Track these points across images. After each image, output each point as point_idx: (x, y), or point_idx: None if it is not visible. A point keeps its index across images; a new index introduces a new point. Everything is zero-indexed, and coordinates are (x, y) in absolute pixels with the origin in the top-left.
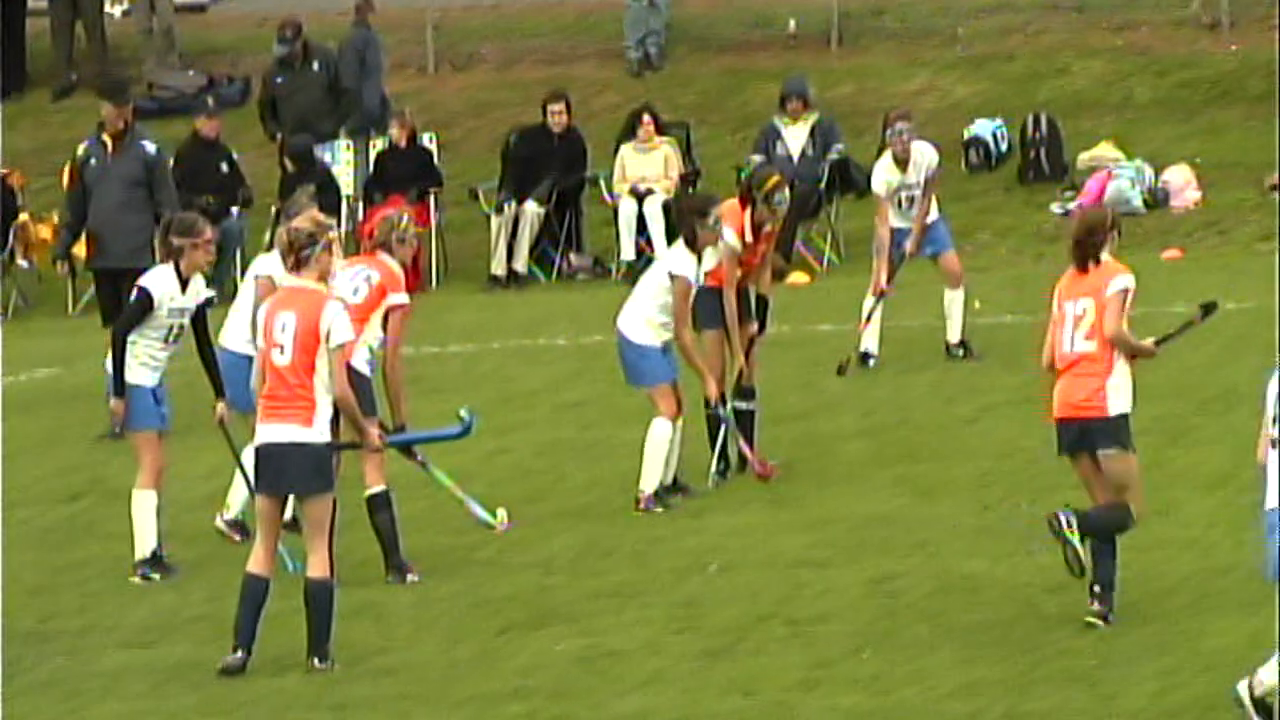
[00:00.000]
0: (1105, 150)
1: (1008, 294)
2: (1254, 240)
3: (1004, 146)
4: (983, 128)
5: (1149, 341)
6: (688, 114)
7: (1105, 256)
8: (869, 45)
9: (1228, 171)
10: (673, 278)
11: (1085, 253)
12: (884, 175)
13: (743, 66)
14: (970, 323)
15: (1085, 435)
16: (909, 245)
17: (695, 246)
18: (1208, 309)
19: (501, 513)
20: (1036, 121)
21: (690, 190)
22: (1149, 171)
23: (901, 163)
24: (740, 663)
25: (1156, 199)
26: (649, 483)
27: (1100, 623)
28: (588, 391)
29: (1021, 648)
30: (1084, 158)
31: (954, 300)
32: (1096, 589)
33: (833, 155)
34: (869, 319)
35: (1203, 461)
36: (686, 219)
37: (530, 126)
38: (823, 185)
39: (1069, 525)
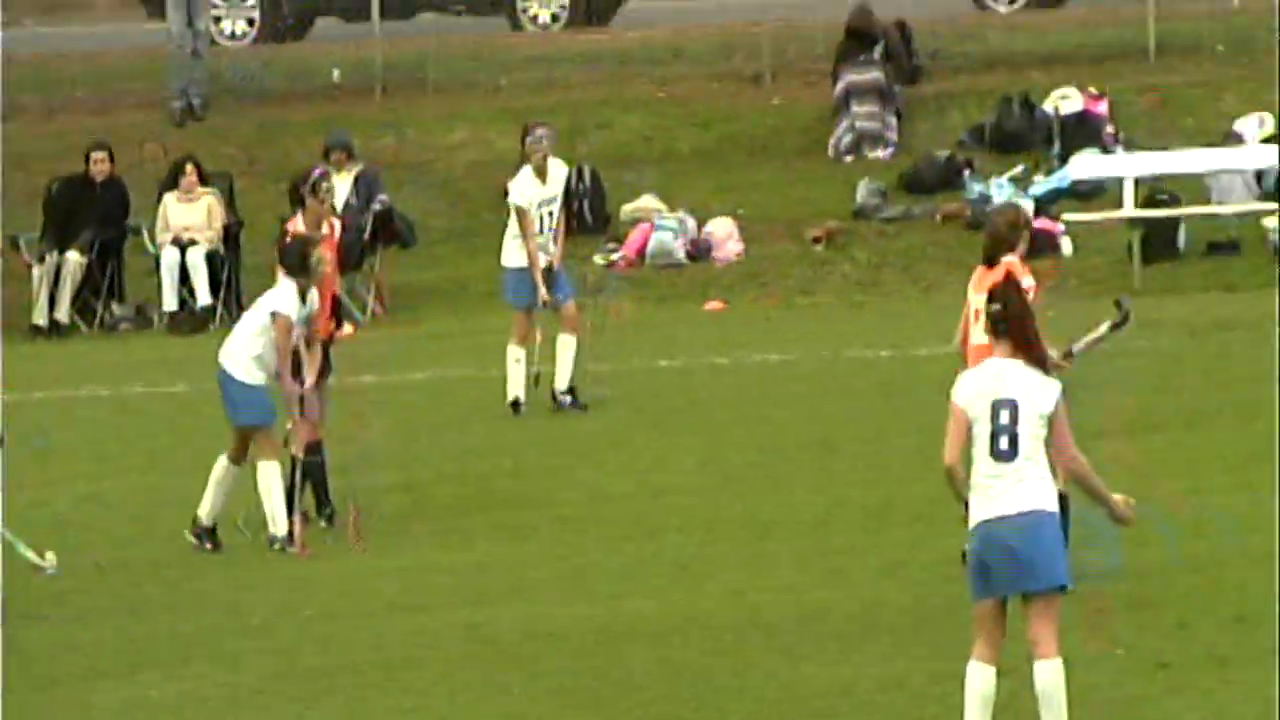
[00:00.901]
0: (648, 202)
1: (549, 345)
2: (794, 293)
3: None
4: None
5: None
6: (230, 164)
7: (1012, 257)
8: (411, 97)
9: (769, 225)
10: (274, 316)
11: (997, 249)
12: (525, 188)
13: (284, 117)
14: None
15: None
16: (553, 258)
17: (298, 285)
18: (1122, 319)
19: (50, 556)
20: (580, 174)
21: (236, 240)
22: (691, 223)
23: (541, 174)
24: (335, 709)
25: (699, 251)
26: (280, 525)
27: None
28: (129, 443)
29: (613, 695)
30: (627, 209)
31: (567, 346)
32: None
33: (376, 206)
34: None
35: (793, 508)
36: (288, 260)
37: (72, 176)
38: (366, 236)
39: None
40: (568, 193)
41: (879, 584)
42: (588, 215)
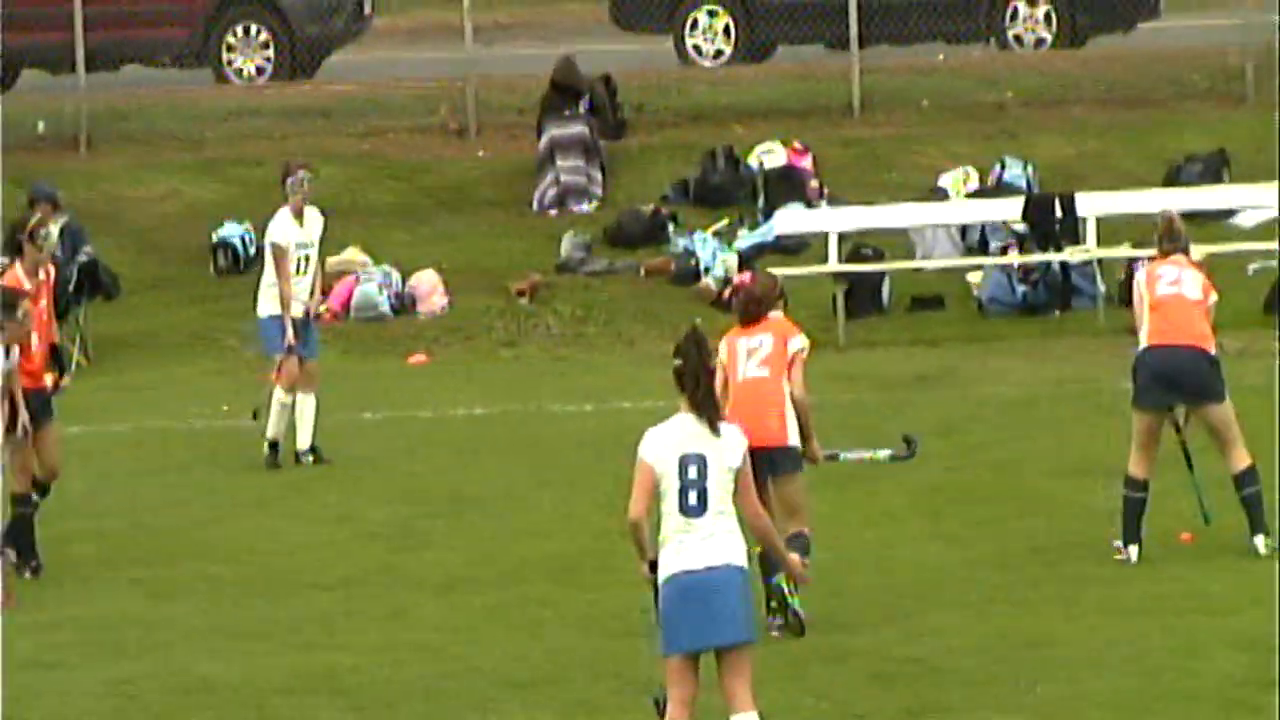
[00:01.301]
0: (353, 255)
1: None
2: (498, 346)
3: (251, 250)
4: (231, 231)
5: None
6: None
7: (778, 314)
8: (114, 149)
9: (473, 277)
10: None
11: (758, 308)
12: (284, 230)
13: None
14: (208, 426)
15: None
16: (308, 306)
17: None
18: (905, 455)
19: None
20: None
21: None
22: (396, 276)
23: (299, 216)
24: None
25: (404, 303)
26: None
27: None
28: None
29: None
30: (333, 262)
31: (307, 405)
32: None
33: (81, 258)
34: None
35: (435, 564)
36: None
37: None
38: (71, 288)
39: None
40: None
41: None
42: None
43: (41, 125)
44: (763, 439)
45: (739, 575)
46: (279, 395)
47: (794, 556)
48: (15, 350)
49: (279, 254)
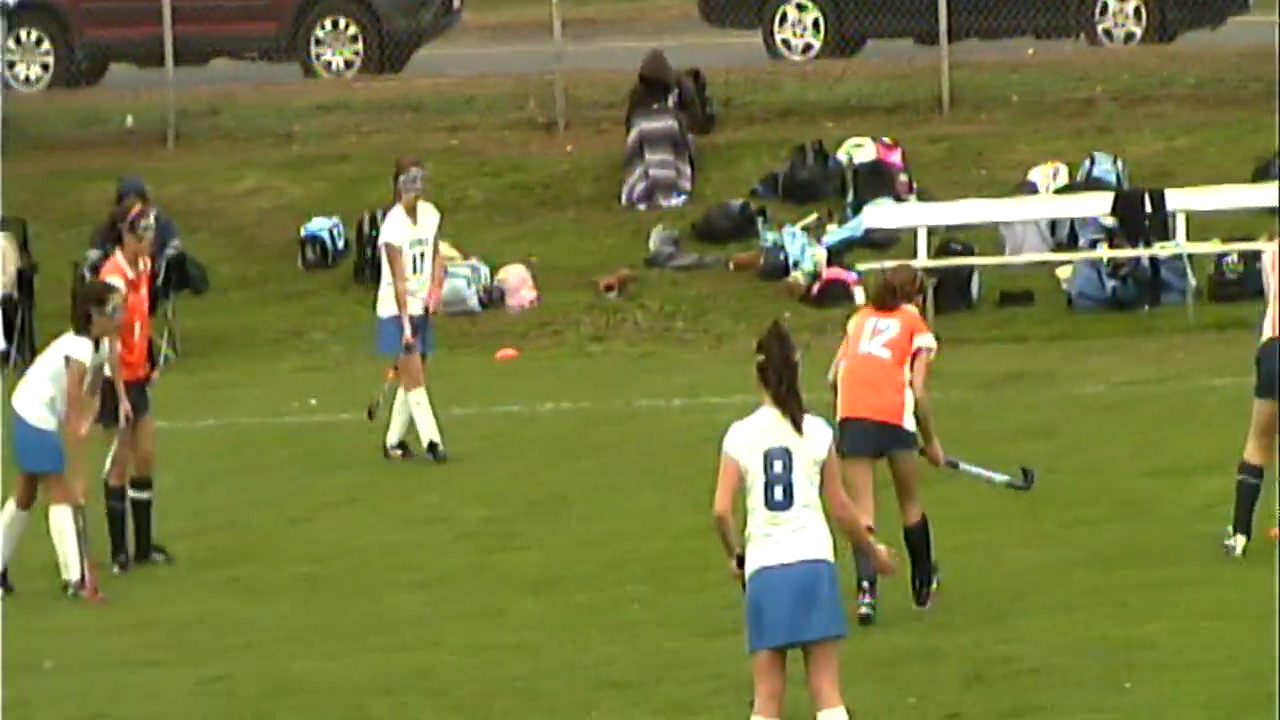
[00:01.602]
0: (442, 250)
1: (342, 394)
2: (586, 341)
3: (340, 245)
4: (319, 225)
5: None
6: (23, 210)
7: (911, 307)
8: (203, 144)
9: (561, 273)
10: (67, 361)
11: (893, 303)
12: (398, 229)
13: (77, 164)
14: (300, 421)
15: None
16: (430, 303)
17: (90, 332)
18: (1022, 486)
19: None
20: (373, 221)
21: (29, 285)
22: (484, 271)
23: (412, 213)
24: None
25: (492, 299)
26: (73, 570)
27: (871, 613)
28: None
29: None
30: None
31: (411, 400)
32: (865, 584)
33: (170, 252)
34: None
35: (529, 564)
36: (82, 306)
37: None
38: (159, 282)
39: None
40: (360, 240)
41: (613, 640)
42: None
43: (130, 119)
44: (881, 413)
45: (827, 569)
46: (412, 397)
47: (881, 547)
48: (106, 343)
49: (392, 254)
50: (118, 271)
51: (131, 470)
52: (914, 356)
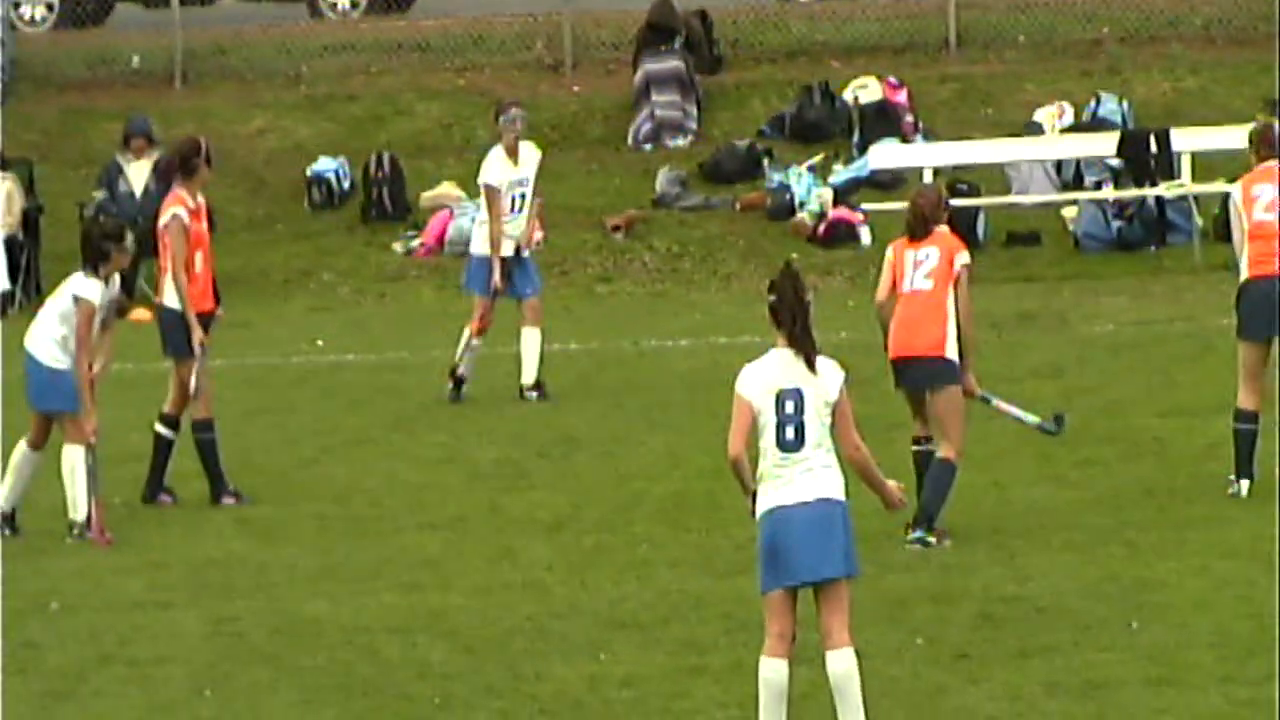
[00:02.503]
0: (447, 190)
1: (351, 334)
2: (594, 282)
3: (346, 185)
4: (325, 165)
5: (975, 384)
6: (30, 151)
7: (942, 227)
8: (211, 85)
9: (569, 213)
10: (77, 301)
11: (926, 229)
12: (496, 169)
13: (85, 104)
14: (309, 362)
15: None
16: (523, 243)
17: (103, 271)
18: (1052, 429)
19: None
20: (380, 161)
21: (36, 225)
22: None
23: (513, 154)
24: (82, 704)
25: None
26: (80, 510)
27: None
28: None
29: (361, 690)
30: (426, 197)
31: (531, 340)
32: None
33: None
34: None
35: (540, 505)
36: (101, 243)
37: None
38: None
39: (929, 532)
40: (366, 181)
41: (624, 581)
42: (388, 203)
43: (137, 60)
44: (924, 349)
45: (839, 509)
46: (471, 339)
47: (891, 483)
48: (115, 281)
49: (490, 194)
50: (179, 202)
51: (166, 406)
52: (956, 280)
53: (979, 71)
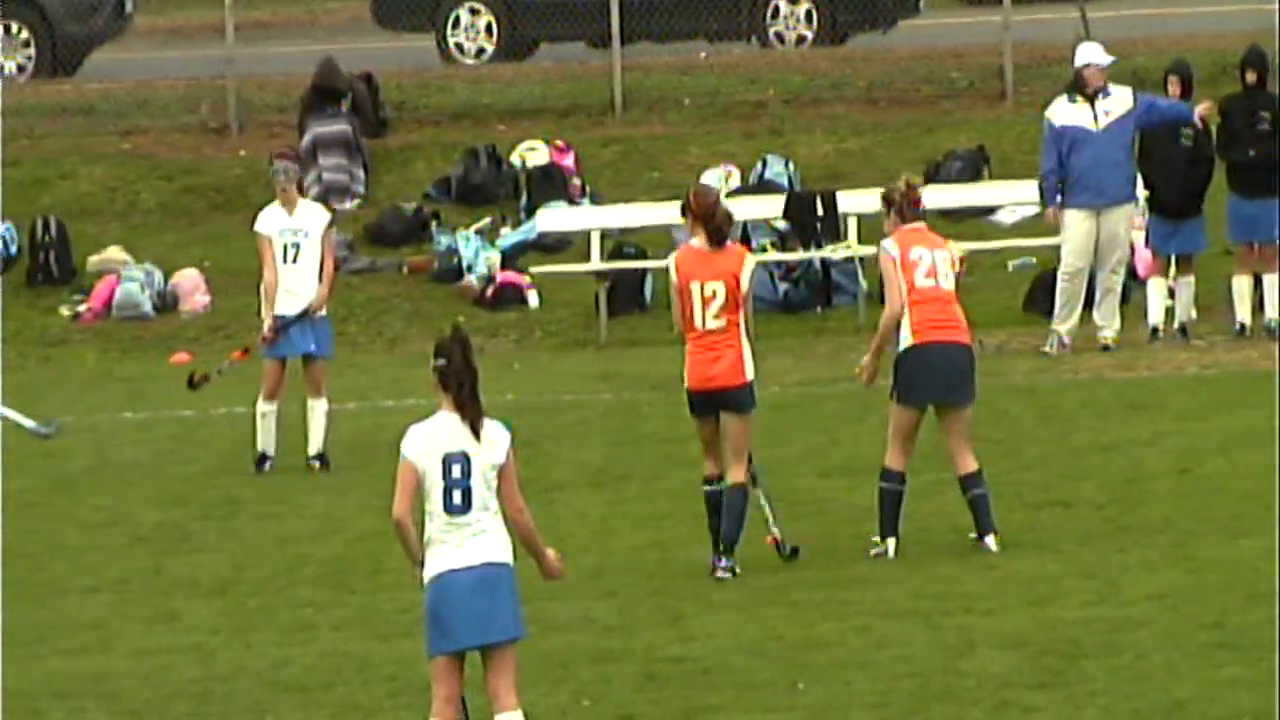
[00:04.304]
0: (114, 254)
1: (13, 397)
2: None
3: (14, 249)
4: None
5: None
6: None
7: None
8: None
9: (236, 277)
10: None
11: (724, 234)
12: (266, 218)
13: None
14: None
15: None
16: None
17: None
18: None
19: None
20: (45, 225)
21: None
22: (158, 275)
23: (289, 205)
24: None
25: (166, 303)
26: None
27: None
28: None
29: None
30: (93, 261)
31: (318, 408)
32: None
33: None
34: None
35: (203, 567)
36: None
37: None
38: None
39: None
40: (33, 245)
41: (288, 643)
42: (53, 266)
43: None
44: (724, 380)
45: (505, 571)
46: (260, 405)
47: (550, 551)
48: None
49: (260, 242)
50: None
51: None
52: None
53: (644, 134)
